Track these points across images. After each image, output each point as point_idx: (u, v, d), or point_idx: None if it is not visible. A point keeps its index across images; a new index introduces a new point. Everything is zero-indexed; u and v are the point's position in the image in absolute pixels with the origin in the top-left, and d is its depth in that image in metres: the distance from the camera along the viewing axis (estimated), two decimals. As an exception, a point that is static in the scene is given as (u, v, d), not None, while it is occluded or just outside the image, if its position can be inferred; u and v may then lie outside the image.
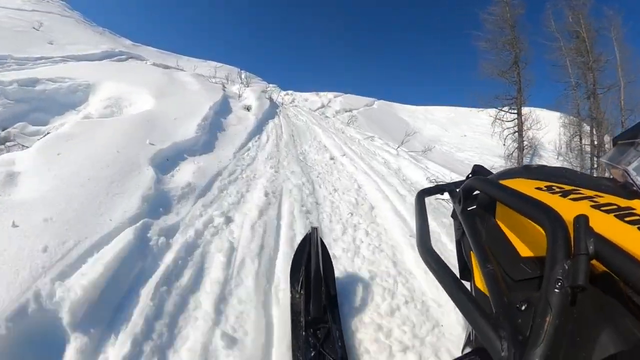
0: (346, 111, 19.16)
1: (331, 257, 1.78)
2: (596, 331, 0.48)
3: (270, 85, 25.16)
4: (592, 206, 0.61)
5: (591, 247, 0.46)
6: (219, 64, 21.41)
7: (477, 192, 0.90)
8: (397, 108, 25.48)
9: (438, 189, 1.15)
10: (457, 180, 1.32)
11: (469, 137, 20.70)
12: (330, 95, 22.38)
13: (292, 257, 1.63)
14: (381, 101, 24.83)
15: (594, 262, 0.47)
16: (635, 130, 0.70)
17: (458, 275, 0.85)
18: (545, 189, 0.74)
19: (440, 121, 23.82)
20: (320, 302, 1.29)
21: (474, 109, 18.67)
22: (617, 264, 0.45)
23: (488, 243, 0.77)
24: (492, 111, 14.46)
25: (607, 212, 0.58)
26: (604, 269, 0.48)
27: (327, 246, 1.81)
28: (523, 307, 0.57)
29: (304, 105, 18.42)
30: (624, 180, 0.67)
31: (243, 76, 19.77)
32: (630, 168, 0.64)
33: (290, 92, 22.72)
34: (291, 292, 1.45)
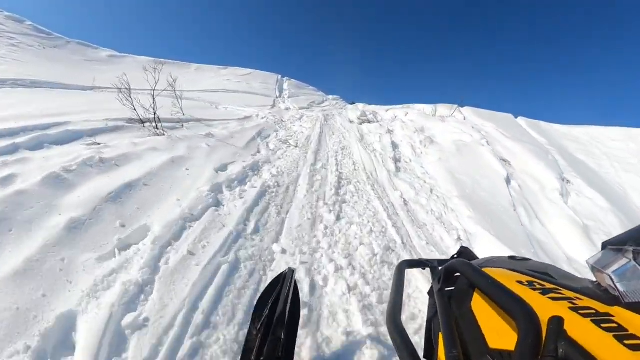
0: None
1: (300, 304, 1.69)
2: None
3: (330, 96, 24.34)
4: (570, 308, 0.60)
5: (561, 351, 0.46)
6: (247, 70, 21.76)
7: (457, 274, 0.91)
8: (545, 128, 12.88)
9: (421, 263, 1.17)
10: (442, 258, 1.33)
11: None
12: (442, 108, 13.38)
13: (261, 293, 1.54)
14: (523, 119, 13.10)
15: None
16: (626, 236, 0.70)
17: (422, 355, 0.85)
18: (527, 284, 0.74)
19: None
20: (277, 346, 1.22)
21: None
22: None
23: (459, 328, 0.78)
24: None
25: (585, 315, 0.57)
26: None
27: None
28: None
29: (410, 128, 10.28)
30: (606, 285, 0.66)
31: (286, 85, 20.83)
32: (614, 274, 0.64)
33: (361, 104, 18.53)
34: (250, 328, 1.38)
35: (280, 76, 22.30)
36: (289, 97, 17.99)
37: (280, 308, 1.29)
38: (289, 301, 1.35)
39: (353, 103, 19.94)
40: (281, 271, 1.55)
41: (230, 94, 14.06)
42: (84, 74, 10.68)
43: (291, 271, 1.50)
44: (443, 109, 13.47)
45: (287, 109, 14.56)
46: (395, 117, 12.60)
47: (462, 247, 1.16)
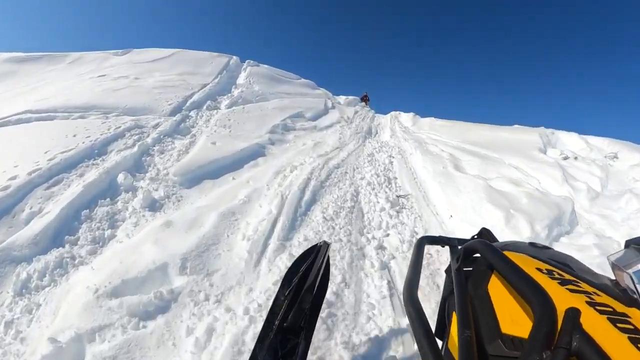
0: None
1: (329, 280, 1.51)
2: None
3: (342, 96, 15.75)
4: (587, 302, 0.59)
5: (575, 344, 0.45)
6: (167, 51, 10.97)
7: (477, 255, 0.90)
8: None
9: (440, 240, 1.17)
10: (462, 238, 1.29)
11: None
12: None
13: (293, 260, 1.46)
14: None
15: (573, 359, 0.45)
16: None
17: (434, 331, 0.80)
18: (546, 272, 0.72)
19: None
20: (301, 316, 1.19)
21: None
22: None
23: (473, 309, 0.75)
24: None
25: (601, 312, 0.56)
26: None
27: None
28: None
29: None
30: (625, 285, 0.65)
31: (244, 75, 10.52)
32: (635, 275, 0.62)
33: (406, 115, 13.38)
34: (277, 293, 1.33)
35: (236, 58, 11.73)
36: (238, 105, 7.68)
37: (311, 279, 1.27)
38: (320, 274, 1.36)
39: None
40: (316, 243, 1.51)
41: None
42: None
43: (326, 244, 1.49)
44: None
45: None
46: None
47: (482, 229, 1.13)
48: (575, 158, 7.65)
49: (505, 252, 0.80)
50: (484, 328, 0.68)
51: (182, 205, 3.20)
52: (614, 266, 0.67)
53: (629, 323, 0.52)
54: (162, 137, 5.00)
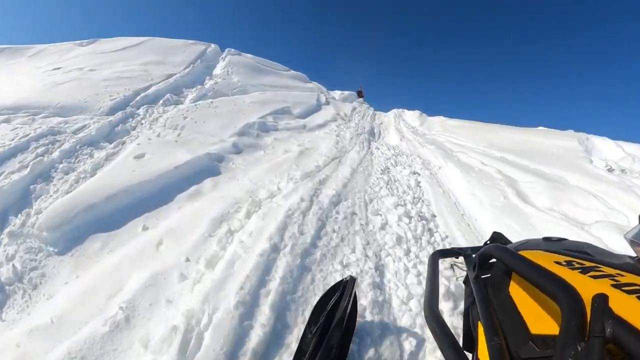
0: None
1: (357, 315, 1.56)
2: None
3: (337, 92, 14.42)
4: (612, 285, 0.58)
5: (609, 330, 0.43)
6: (134, 40, 9.16)
7: (493, 260, 0.87)
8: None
9: (454, 252, 1.16)
10: (474, 246, 1.23)
11: None
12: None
13: (320, 296, 1.45)
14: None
15: (610, 346, 0.44)
16: None
17: (461, 344, 0.77)
18: (565, 263, 0.71)
19: None
20: (330, 353, 1.17)
21: None
22: (637, 351, 0.41)
23: (498, 315, 0.73)
24: None
25: (629, 292, 0.55)
26: (622, 354, 0.44)
27: None
28: None
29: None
30: None
31: (222, 65, 8.79)
32: None
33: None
34: (305, 330, 1.32)
35: (215, 46, 10.10)
36: (206, 99, 6.14)
37: (339, 316, 1.25)
38: (348, 310, 1.33)
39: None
40: (342, 278, 1.50)
41: None
42: None
43: (352, 280, 1.45)
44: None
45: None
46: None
47: (494, 233, 1.12)
48: (623, 171, 6.38)
49: (521, 252, 0.79)
50: (513, 332, 0.65)
51: (35, 301, 1.67)
52: (633, 243, 0.68)
53: None
54: (79, 147, 3.46)
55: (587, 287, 0.54)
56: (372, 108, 14.05)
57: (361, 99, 15.45)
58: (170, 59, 8.22)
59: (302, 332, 1.30)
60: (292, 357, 1.20)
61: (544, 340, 0.58)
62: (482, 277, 0.88)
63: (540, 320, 0.62)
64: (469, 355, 0.72)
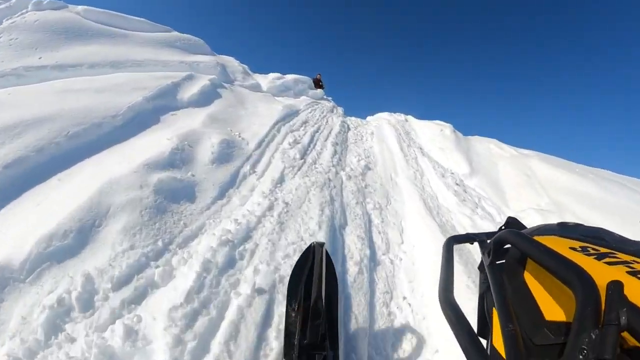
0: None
1: (337, 280, 1.55)
2: None
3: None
4: (628, 272, 0.55)
5: (623, 318, 0.42)
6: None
7: (508, 245, 0.86)
8: None
9: (468, 238, 1.15)
10: (489, 231, 1.25)
11: None
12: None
13: (291, 271, 1.42)
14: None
15: (625, 334, 0.43)
16: None
17: (476, 331, 0.77)
18: (580, 249, 0.70)
19: None
20: (319, 326, 1.15)
21: None
22: None
23: (513, 301, 0.72)
24: None
25: None
26: (636, 343, 0.43)
27: None
28: None
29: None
30: None
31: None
32: None
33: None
34: (287, 310, 1.29)
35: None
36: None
37: (316, 285, 1.22)
38: (324, 278, 1.29)
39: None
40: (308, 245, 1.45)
41: None
42: None
43: (319, 245, 1.41)
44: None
45: None
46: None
47: (509, 217, 1.13)
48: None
49: (535, 237, 0.77)
50: (527, 319, 0.65)
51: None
52: None
53: None
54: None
55: (602, 274, 0.51)
56: (339, 108, 10.04)
57: (320, 91, 12.21)
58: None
59: (285, 312, 1.27)
60: (281, 341, 1.20)
61: (558, 327, 0.57)
62: (497, 263, 0.85)
63: (555, 306, 0.61)
64: (484, 342, 0.72)
